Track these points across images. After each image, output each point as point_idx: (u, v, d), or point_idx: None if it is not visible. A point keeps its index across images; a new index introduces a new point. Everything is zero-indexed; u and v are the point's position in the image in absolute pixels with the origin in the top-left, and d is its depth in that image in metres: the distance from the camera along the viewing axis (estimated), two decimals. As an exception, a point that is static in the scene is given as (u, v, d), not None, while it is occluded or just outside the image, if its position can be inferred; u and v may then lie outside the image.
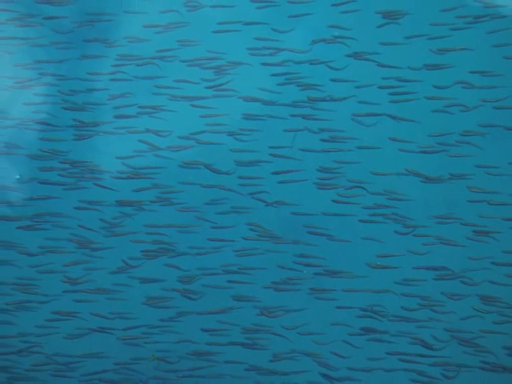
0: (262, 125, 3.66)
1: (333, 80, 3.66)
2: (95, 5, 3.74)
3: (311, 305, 3.59)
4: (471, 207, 3.56)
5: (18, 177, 3.66)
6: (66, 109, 3.69)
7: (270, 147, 3.65)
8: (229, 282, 3.60)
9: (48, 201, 3.66)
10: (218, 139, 3.65)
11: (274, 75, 3.68)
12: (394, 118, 3.61)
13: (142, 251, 3.63)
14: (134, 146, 3.67)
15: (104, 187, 3.65)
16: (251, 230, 3.61)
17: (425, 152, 3.60)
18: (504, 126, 3.58)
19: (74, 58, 3.72)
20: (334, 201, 3.60)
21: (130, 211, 3.64)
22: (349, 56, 3.66)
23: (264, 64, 3.69)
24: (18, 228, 3.64)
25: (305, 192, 3.62)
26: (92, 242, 3.63)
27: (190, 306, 3.61)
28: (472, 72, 3.61)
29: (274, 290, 3.60)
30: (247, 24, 3.71)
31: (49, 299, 3.63)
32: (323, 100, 3.65)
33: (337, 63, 3.67)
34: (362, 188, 3.60)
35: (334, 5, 3.69)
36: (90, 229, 3.64)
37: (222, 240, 3.61)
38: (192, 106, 3.68)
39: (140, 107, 3.69)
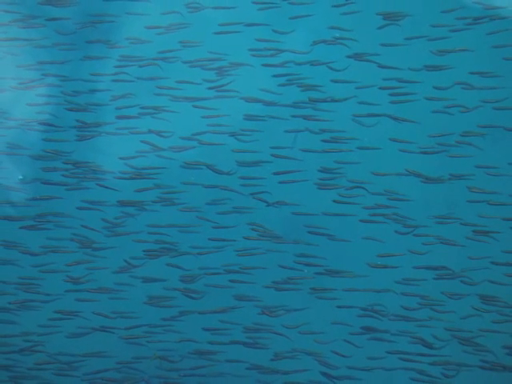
0: (263, 125, 3.67)
1: (333, 81, 3.67)
2: (97, 6, 3.76)
3: (312, 304, 3.60)
4: (471, 207, 3.57)
5: (20, 177, 3.67)
6: (68, 110, 3.70)
7: (271, 148, 3.66)
8: (230, 281, 3.62)
9: (50, 201, 3.67)
10: (220, 140, 3.67)
11: (275, 76, 3.69)
12: (394, 118, 3.63)
13: (144, 251, 3.64)
14: (136, 146, 3.68)
15: (106, 187, 3.66)
16: (252, 229, 3.62)
17: (425, 152, 3.61)
18: (504, 126, 3.59)
19: (76, 59, 3.73)
20: (334, 201, 3.62)
21: (132, 211, 3.65)
22: (349, 57, 3.68)
23: (265, 65, 3.70)
24: (21, 228, 3.66)
25: (306, 192, 3.63)
26: (94, 242, 3.65)
27: (192, 306, 3.62)
28: (472, 73, 3.62)
29: (275, 289, 3.61)
30: (248, 25, 3.73)
31: (51, 298, 3.65)
32: (324, 101, 3.66)
33: (337, 64, 3.68)
34: (363, 188, 3.61)
35: (334, 6, 3.70)
36: (92, 229, 3.65)
37: (223, 240, 3.62)
38: (194, 106, 3.70)
39: (142, 108, 3.70)
